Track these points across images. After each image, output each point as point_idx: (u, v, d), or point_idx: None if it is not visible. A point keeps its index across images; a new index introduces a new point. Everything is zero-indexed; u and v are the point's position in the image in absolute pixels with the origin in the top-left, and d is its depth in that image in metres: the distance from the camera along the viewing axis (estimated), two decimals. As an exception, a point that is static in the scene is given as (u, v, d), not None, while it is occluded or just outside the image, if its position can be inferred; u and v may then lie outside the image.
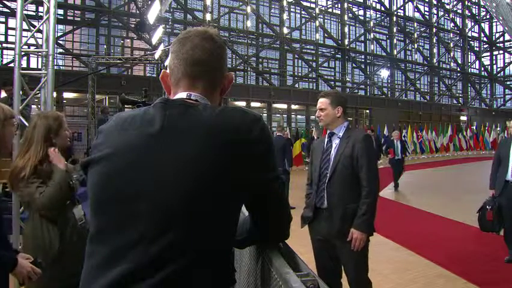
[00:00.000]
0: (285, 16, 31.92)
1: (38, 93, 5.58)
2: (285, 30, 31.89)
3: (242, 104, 29.08)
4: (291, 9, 33.26)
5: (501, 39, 47.72)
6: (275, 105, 30.82)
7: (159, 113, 1.31)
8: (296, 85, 32.92)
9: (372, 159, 3.70)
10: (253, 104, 29.82)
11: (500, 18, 33.65)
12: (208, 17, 27.96)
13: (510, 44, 46.66)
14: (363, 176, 3.56)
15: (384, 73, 37.93)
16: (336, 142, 3.74)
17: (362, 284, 3.72)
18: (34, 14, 19.09)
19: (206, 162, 1.23)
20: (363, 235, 3.53)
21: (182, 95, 1.40)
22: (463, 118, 42.59)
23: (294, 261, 1.41)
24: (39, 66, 6.17)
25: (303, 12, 33.91)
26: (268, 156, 1.35)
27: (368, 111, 35.60)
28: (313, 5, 34.19)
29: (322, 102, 3.75)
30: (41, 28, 5.64)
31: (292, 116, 31.97)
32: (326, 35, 35.04)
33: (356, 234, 3.52)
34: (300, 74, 33.62)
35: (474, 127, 35.52)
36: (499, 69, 48.61)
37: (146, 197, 1.23)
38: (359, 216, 3.53)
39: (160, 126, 1.28)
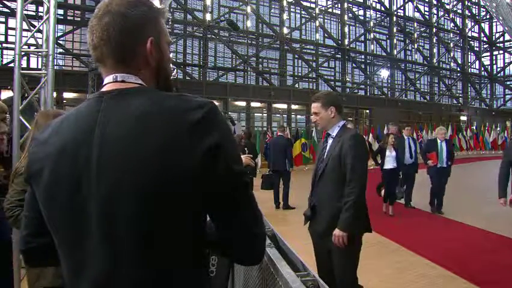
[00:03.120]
0: (285, 16, 31.89)
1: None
2: (285, 30, 31.86)
3: (242, 104, 29.05)
4: (291, 9, 33.21)
5: (501, 39, 47.70)
6: (275, 105, 30.79)
7: (95, 108, 1.21)
8: (296, 85, 32.88)
9: (358, 158, 3.61)
10: (253, 104, 29.81)
11: (500, 18, 33.64)
12: (208, 17, 27.96)
13: (510, 44, 46.64)
14: (348, 175, 3.56)
15: (384, 73, 37.87)
16: (329, 142, 3.79)
17: (346, 287, 3.68)
18: (34, 14, 19.10)
19: (147, 161, 1.12)
20: (341, 233, 3.52)
21: (108, 79, 1.28)
22: (463, 118, 42.58)
23: (294, 261, 1.41)
24: (40, 66, 6.17)
25: (303, 12, 33.88)
26: (224, 146, 1.18)
27: (368, 111, 35.57)
28: (313, 5, 34.15)
29: (314, 106, 3.80)
30: (41, 28, 5.66)
31: (292, 116, 31.92)
32: (325, 35, 35.00)
33: (335, 232, 3.54)
34: (300, 74, 33.59)
35: (474, 127, 35.51)
36: (499, 69, 48.57)
37: (93, 203, 1.14)
38: (341, 215, 3.54)
39: (96, 122, 1.18)
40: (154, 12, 1.33)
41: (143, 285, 1.14)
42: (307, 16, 33.92)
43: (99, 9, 1.29)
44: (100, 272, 1.15)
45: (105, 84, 1.28)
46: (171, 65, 1.42)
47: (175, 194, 1.13)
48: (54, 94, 5.97)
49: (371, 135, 23.74)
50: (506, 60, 47.68)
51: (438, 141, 10.11)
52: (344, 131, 3.76)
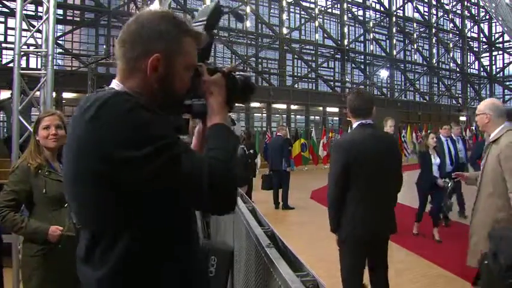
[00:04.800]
0: (284, 16, 31.88)
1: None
2: (285, 31, 31.86)
3: (242, 104, 29.02)
4: (291, 10, 33.20)
5: (500, 39, 47.66)
6: (274, 106, 30.79)
7: None
8: (296, 85, 32.89)
9: (331, 164, 3.83)
10: (253, 104, 29.76)
11: (500, 18, 33.65)
12: (207, 17, 27.91)
13: (509, 44, 46.63)
14: None
15: (384, 73, 37.89)
16: None
17: None
18: (34, 14, 19.09)
19: (71, 149, 1.31)
20: None
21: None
22: (463, 118, 42.59)
23: (294, 261, 1.40)
24: (39, 66, 6.18)
25: (302, 12, 33.88)
26: (114, 133, 1.23)
27: (367, 111, 35.54)
28: (312, 6, 34.14)
29: None
30: (40, 28, 5.65)
31: (292, 116, 31.95)
32: (325, 35, 35.00)
33: None
34: (299, 74, 33.59)
35: (473, 127, 35.49)
36: (498, 70, 48.56)
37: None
38: None
39: None
40: (176, 31, 1.38)
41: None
42: (306, 16, 33.93)
43: (135, 16, 1.41)
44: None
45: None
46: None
47: (88, 192, 1.29)
48: (54, 94, 5.97)
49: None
50: (506, 61, 47.63)
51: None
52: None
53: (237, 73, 1.52)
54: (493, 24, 47.32)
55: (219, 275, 2.60)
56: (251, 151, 11.19)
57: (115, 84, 1.39)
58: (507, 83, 48.14)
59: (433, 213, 7.87)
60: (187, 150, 1.28)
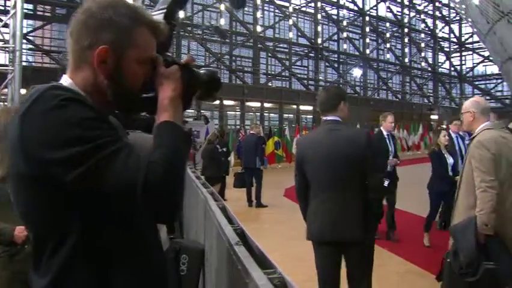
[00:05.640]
0: (258, 14, 31.88)
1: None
2: (259, 29, 31.86)
3: (215, 102, 28.94)
4: (265, 8, 33.27)
5: (470, 40, 48.62)
6: (248, 104, 30.78)
7: None
8: (269, 83, 32.98)
9: None
10: (226, 102, 29.71)
11: (469, 20, 34.29)
12: (181, 14, 27.75)
13: (479, 45, 47.47)
14: None
15: (357, 72, 38.28)
16: None
17: None
18: (2, 8, 18.72)
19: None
20: None
21: None
22: (434, 117, 43.32)
23: (262, 259, 1.40)
24: (7, 62, 6.05)
25: (276, 10, 33.97)
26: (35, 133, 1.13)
27: (340, 110, 35.82)
28: (286, 4, 34.24)
29: None
30: (8, 22, 5.53)
31: (266, 114, 32.01)
32: (299, 33, 35.18)
33: None
34: (273, 73, 33.71)
35: (444, 126, 36.15)
36: (467, 70, 49.64)
37: None
38: None
39: None
40: (127, 20, 1.25)
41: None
42: (280, 15, 34.04)
43: (84, 6, 1.27)
44: None
45: None
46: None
47: (26, 188, 1.19)
48: (23, 91, 5.85)
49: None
50: (475, 61, 48.74)
51: None
52: None
53: (203, 68, 1.41)
54: (463, 25, 48.29)
55: (191, 273, 2.58)
56: (224, 149, 11.21)
57: (64, 80, 1.27)
58: (476, 83, 49.20)
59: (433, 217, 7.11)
60: (124, 152, 1.13)
